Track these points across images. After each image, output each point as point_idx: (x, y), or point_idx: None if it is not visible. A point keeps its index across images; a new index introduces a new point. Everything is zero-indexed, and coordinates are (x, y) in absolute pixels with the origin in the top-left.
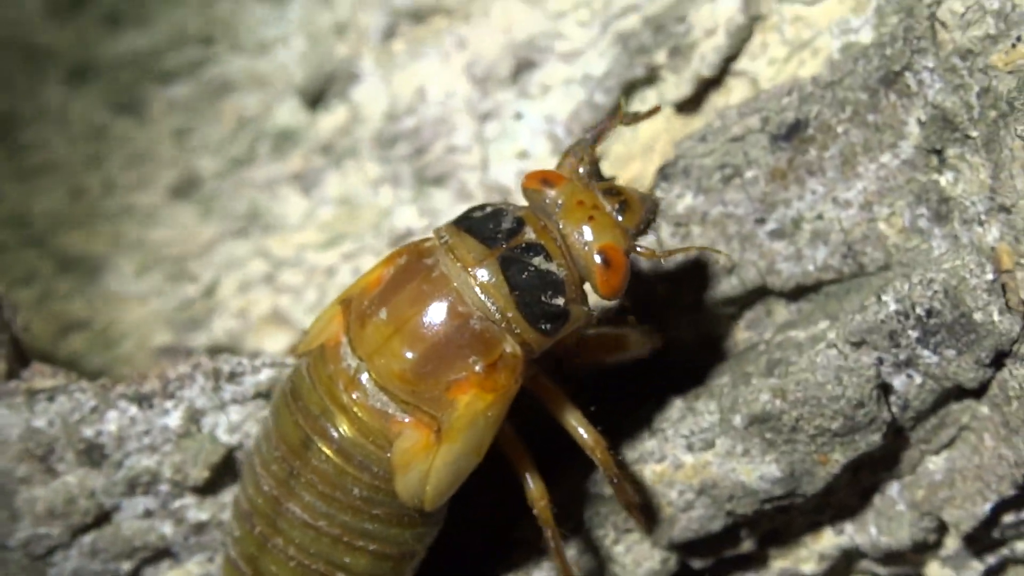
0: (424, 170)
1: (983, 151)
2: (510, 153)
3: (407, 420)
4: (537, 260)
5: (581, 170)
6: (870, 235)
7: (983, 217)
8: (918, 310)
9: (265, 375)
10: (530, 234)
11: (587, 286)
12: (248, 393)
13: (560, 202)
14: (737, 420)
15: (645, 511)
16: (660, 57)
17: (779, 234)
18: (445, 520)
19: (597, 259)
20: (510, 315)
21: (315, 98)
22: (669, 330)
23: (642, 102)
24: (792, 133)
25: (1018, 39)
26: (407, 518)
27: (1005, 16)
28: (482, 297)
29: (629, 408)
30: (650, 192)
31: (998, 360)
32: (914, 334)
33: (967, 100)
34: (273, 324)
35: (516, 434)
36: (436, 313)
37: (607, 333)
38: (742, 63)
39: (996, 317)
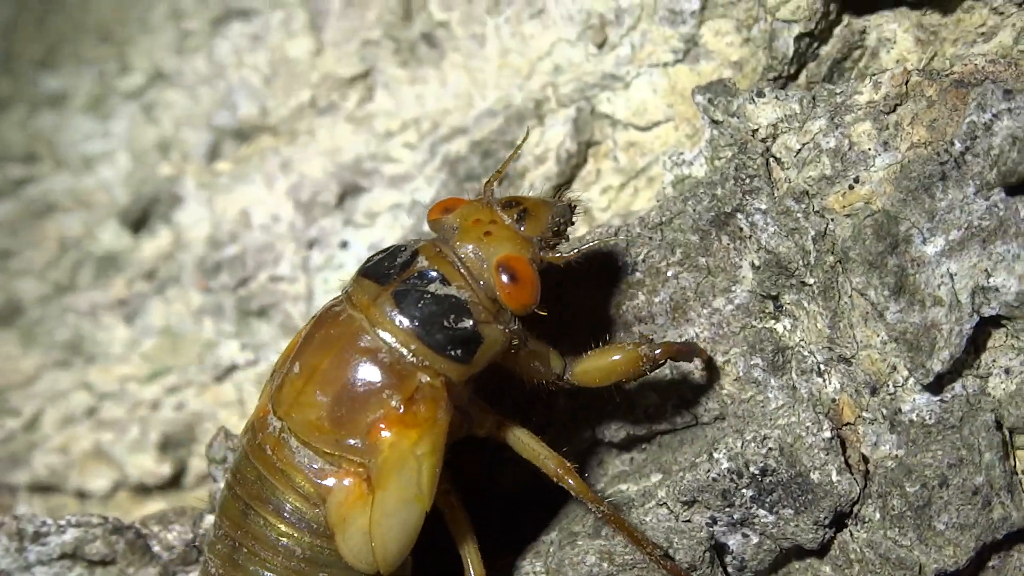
0: (248, 301)
1: (820, 298)
2: (336, 283)
3: (336, 472)
4: (433, 287)
5: (488, 193)
6: (704, 385)
7: (822, 367)
8: (752, 468)
9: (71, 535)
10: (422, 263)
11: None
12: (53, 553)
13: (455, 224)
14: None
15: None
16: None
17: None
18: None
19: (501, 274)
20: (414, 347)
21: (138, 221)
22: (494, 485)
23: None
24: (619, 277)
25: (856, 180)
26: None
27: (842, 155)
28: (382, 335)
29: (456, 566)
30: (559, 196)
31: (839, 520)
32: (748, 493)
33: (803, 245)
34: (96, 460)
35: (462, 506)
36: (342, 355)
37: (596, 353)
38: (575, 191)
39: (835, 477)
